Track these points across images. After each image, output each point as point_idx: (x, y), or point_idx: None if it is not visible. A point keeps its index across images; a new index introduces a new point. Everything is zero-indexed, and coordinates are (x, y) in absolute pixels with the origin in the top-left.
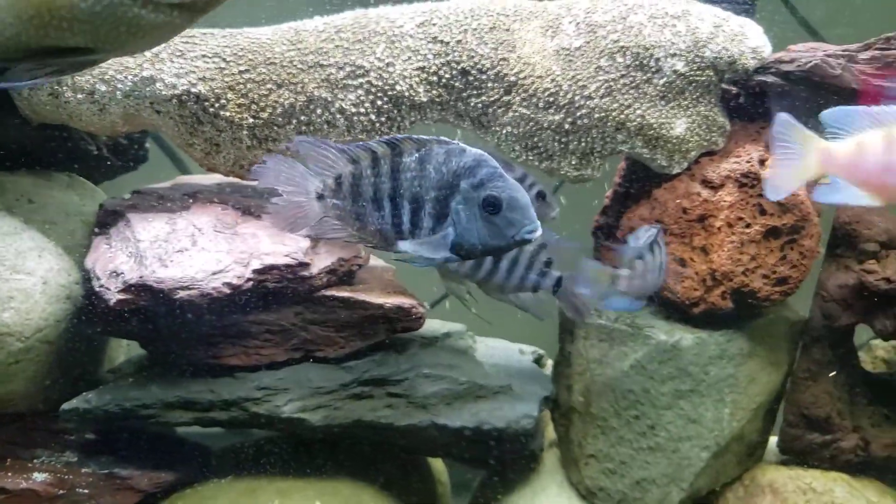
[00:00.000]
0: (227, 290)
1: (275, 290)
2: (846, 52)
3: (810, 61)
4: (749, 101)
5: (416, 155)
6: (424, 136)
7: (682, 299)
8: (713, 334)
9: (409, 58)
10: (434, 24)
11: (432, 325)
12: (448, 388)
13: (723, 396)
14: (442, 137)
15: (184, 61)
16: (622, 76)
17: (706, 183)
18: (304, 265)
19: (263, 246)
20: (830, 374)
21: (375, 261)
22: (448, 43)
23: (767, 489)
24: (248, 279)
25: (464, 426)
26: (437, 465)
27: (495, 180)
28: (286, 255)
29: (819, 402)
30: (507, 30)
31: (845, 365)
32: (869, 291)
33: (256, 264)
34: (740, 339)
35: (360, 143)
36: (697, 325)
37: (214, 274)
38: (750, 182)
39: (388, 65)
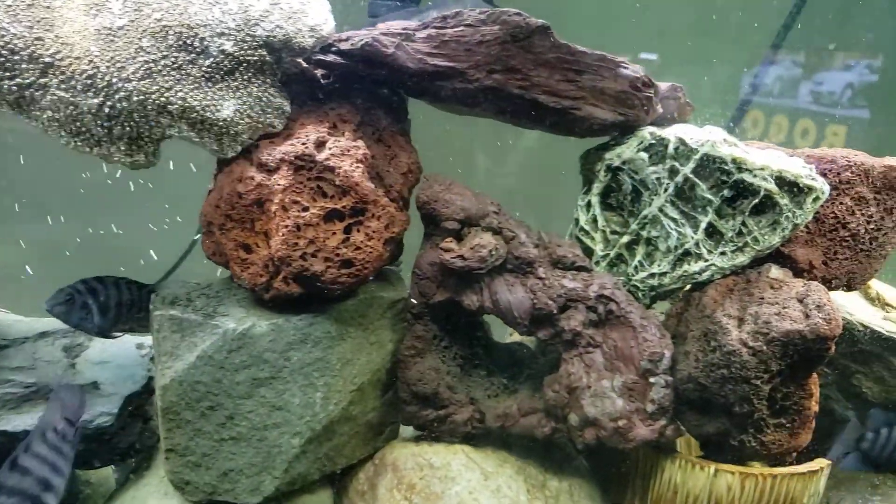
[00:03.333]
0: None
1: None
2: (405, 31)
3: (363, 40)
4: (319, 81)
5: None
6: None
7: (251, 286)
8: (292, 319)
9: None
10: None
11: (25, 327)
12: (11, 392)
13: (312, 381)
14: None
15: None
16: (164, 57)
17: (262, 166)
18: None
19: None
20: (435, 350)
21: None
22: None
23: (390, 467)
24: None
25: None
26: None
27: None
28: None
29: (425, 379)
30: (48, 7)
31: (459, 339)
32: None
33: None
34: (326, 323)
35: None
36: (279, 311)
37: None
38: (306, 164)
39: None
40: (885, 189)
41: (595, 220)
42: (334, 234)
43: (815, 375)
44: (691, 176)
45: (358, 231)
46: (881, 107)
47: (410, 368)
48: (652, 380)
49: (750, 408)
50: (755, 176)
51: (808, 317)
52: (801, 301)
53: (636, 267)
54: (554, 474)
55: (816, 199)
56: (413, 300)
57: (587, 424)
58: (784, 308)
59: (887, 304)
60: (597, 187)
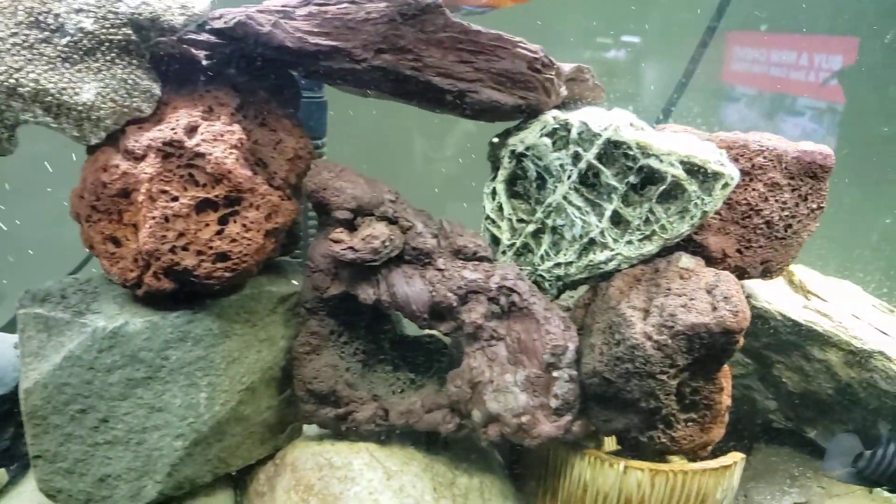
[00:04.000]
0: None
1: None
2: (283, 8)
3: (236, 18)
4: (200, 62)
5: None
6: None
7: (121, 282)
8: (168, 316)
9: None
10: None
11: None
12: None
13: (195, 381)
14: None
15: None
16: (12, 35)
17: (128, 153)
18: None
19: None
20: (332, 346)
21: None
22: None
23: (289, 467)
24: None
25: None
26: None
27: None
28: None
29: (321, 376)
30: None
31: (361, 333)
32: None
33: None
34: (207, 319)
35: None
36: (156, 308)
37: None
38: (175, 151)
39: None
40: (799, 175)
41: (501, 208)
42: (207, 225)
43: (725, 368)
44: (595, 162)
45: (234, 222)
46: (858, 93)
47: (305, 366)
48: (555, 374)
49: (657, 403)
50: (662, 161)
51: (715, 309)
52: (709, 292)
53: (542, 256)
54: (464, 471)
55: (726, 185)
56: (306, 294)
57: (490, 420)
58: (691, 300)
59: (809, 292)
60: (501, 174)
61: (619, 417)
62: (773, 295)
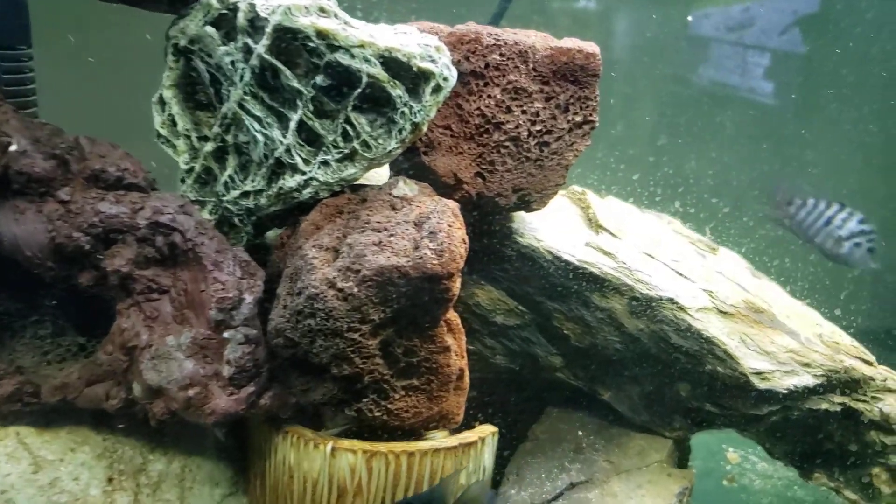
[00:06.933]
0: None
1: None
2: None
3: None
4: None
5: None
6: None
7: None
8: None
9: None
10: None
11: None
12: None
13: None
14: None
15: None
16: None
17: None
18: None
19: None
20: None
21: None
22: None
23: None
24: None
25: None
26: None
27: None
28: None
29: None
30: None
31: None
32: None
33: None
34: None
35: None
36: None
37: None
38: None
39: None
40: (554, 79)
41: (174, 122)
42: None
43: (454, 322)
44: (268, 57)
45: None
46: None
47: None
48: (226, 334)
49: (353, 369)
50: (353, 57)
51: (416, 248)
52: (418, 226)
53: (226, 184)
54: (163, 455)
55: (438, 87)
56: None
57: (153, 395)
58: (390, 236)
59: (601, 227)
60: (168, 78)
61: (317, 386)
62: (550, 231)
